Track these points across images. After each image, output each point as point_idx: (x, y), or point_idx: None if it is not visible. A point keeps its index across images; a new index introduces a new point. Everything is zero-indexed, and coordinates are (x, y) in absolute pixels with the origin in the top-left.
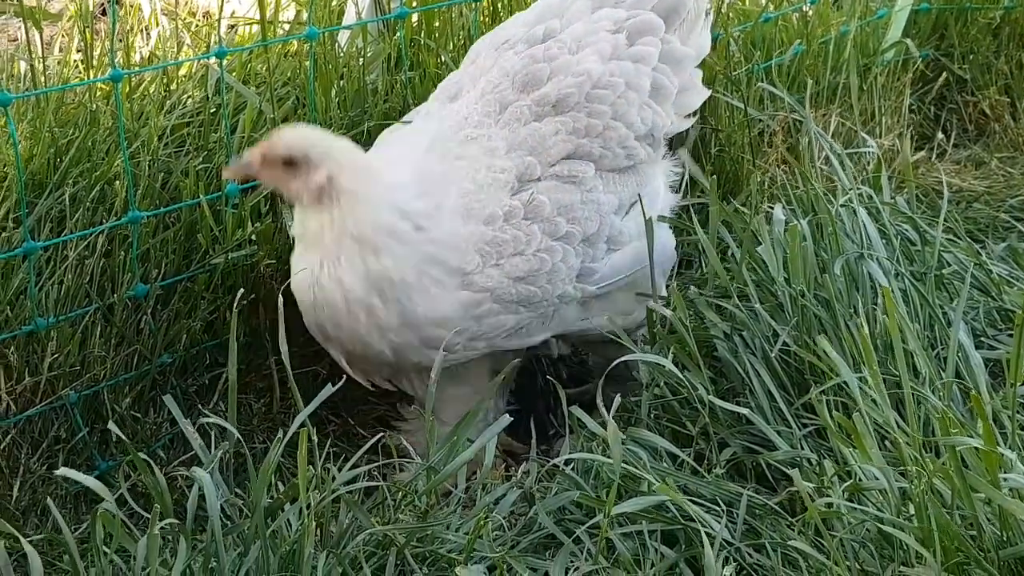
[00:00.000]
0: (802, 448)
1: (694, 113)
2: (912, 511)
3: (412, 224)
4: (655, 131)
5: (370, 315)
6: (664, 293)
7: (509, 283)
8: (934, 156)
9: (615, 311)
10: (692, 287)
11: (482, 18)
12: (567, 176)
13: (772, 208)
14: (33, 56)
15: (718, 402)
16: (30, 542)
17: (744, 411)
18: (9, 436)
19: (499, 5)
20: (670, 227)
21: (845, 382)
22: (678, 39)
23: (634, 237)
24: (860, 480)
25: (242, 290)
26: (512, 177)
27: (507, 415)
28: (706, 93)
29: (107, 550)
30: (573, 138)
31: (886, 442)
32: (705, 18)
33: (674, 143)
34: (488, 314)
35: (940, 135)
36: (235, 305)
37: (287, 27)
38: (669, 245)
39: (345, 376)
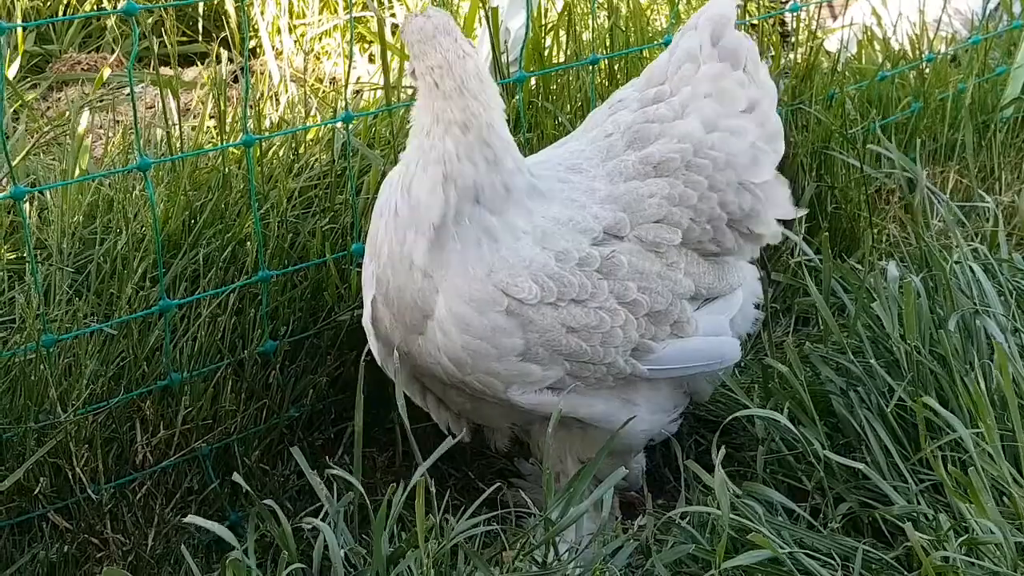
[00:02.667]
0: (918, 503)
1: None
2: None
3: (502, 149)
4: (750, 221)
5: (416, 236)
6: (706, 398)
7: (562, 330)
8: None
9: (654, 406)
10: (807, 343)
11: (599, 79)
12: (651, 242)
13: (887, 265)
14: (169, 123)
15: (834, 457)
16: None
17: (860, 466)
18: (144, 487)
19: (616, 67)
20: (740, 340)
21: (960, 437)
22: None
23: (701, 333)
24: (976, 534)
25: (368, 346)
26: (600, 227)
27: (622, 468)
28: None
29: None
30: (666, 203)
31: (1004, 497)
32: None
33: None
34: (527, 355)
35: None
36: (362, 359)
37: (410, 91)
38: (732, 356)
39: (464, 430)
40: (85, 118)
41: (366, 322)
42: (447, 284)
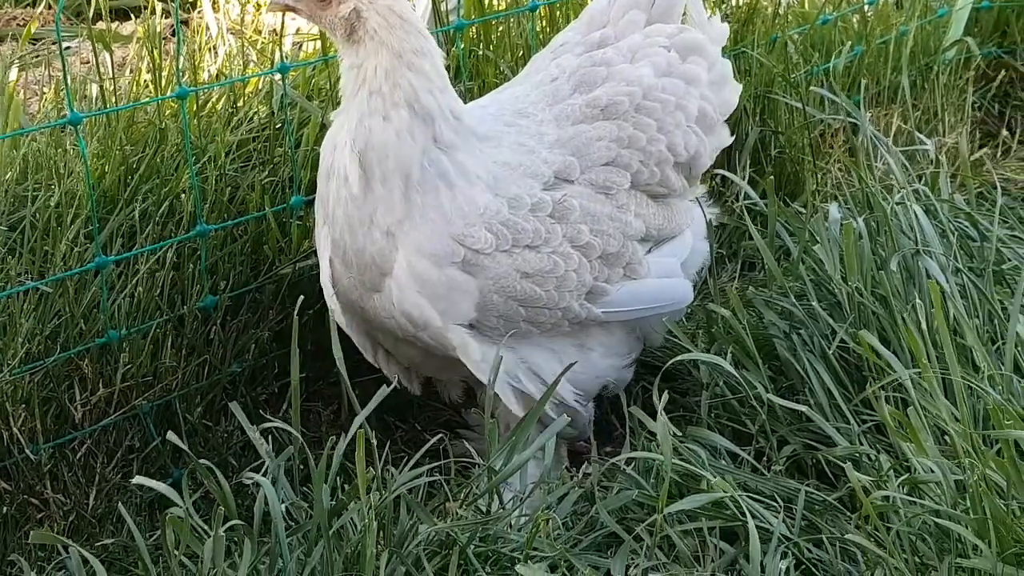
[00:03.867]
0: (861, 444)
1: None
2: (968, 503)
3: (440, 105)
4: (694, 162)
5: (365, 197)
6: (658, 343)
7: (516, 276)
8: (999, 153)
9: (608, 351)
10: (751, 287)
11: (541, 26)
12: (601, 185)
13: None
14: (103, 78)
15: (777, 400)
16: (106, 547)
17: (803, 408)
18: (85, 446)
19: (557, 13)
20: (692, 281)
21: (900, 378)
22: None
23: (653, 276)
24: (917, 473)
25: (302, 296)
26: (550, 172)
27: (564, 416)
28: (739, 87)
29: (178, 554)
30: (615, 146)
31: (944, 436)
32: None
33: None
34: (485, 307)
35: (1005, 132)
36: (296, 311)
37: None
38: (684, 297)
39: (415, 382)
40: (14, 73)
41: (325, 282)
42: (408, 240)
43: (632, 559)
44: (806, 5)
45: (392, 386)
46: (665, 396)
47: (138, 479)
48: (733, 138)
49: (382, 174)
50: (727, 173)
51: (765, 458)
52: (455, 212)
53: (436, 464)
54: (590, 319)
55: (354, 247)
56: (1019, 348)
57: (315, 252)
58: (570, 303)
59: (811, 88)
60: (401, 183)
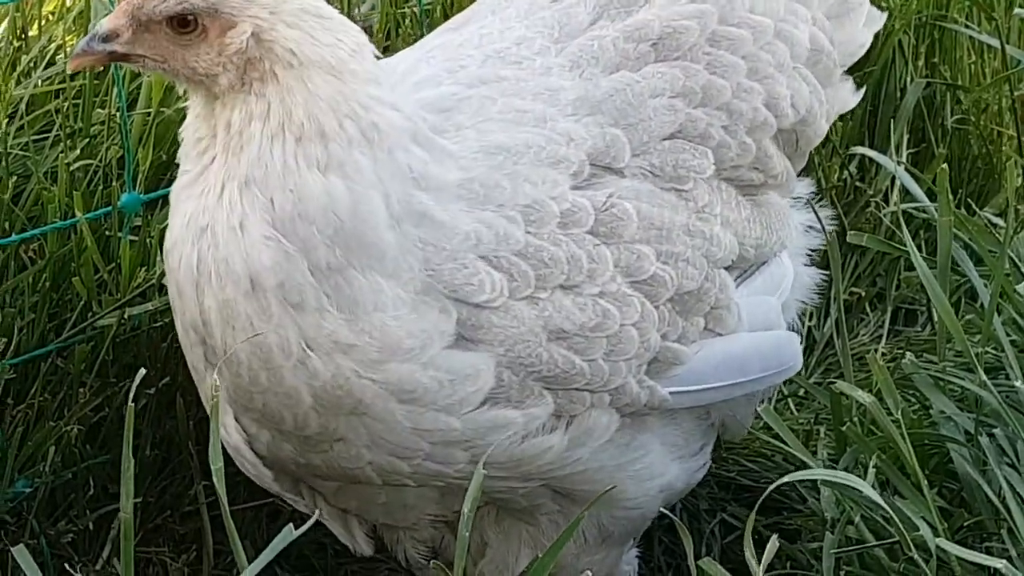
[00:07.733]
0: None
1: None
2: None
3: (408, 115)
4: (803, 130)
5: (287, 305)
6: (742, 433)
7: (541, 339)
8: None
9: (672, 450)
10: (909, 354)
11: None
12: (669, 175)
13: None
14: None
15: (953, 549)
16: None
17: (999, 564)
18: None
19: None
20: (797, 316)
21: None
22: None
23: (744, 324)
24: None
25: (143, 370)
26: (581, 154)
27: (588, 573)
28: (878, 17)
29: None
30: (682, 105)
31: None
32: None
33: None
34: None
35: None
36: (131, 395)
37: None
38: (792, 361)
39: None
40: None
41: (243, 457)
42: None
43: None
44: None
45: (305, 528)
46: (772, 545)
47: None
48: (860, 96)
49: (332, 255)
50: (868, 151)
51: None
52: (433, 255)
53: None
54: (651, 405)
55: (284, 389)
56: None
57: (159, 289)
58: (625, 380)
59: (1016, 11)
60: (364, 258)
